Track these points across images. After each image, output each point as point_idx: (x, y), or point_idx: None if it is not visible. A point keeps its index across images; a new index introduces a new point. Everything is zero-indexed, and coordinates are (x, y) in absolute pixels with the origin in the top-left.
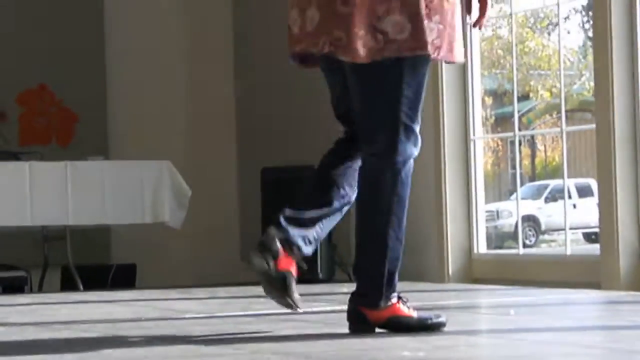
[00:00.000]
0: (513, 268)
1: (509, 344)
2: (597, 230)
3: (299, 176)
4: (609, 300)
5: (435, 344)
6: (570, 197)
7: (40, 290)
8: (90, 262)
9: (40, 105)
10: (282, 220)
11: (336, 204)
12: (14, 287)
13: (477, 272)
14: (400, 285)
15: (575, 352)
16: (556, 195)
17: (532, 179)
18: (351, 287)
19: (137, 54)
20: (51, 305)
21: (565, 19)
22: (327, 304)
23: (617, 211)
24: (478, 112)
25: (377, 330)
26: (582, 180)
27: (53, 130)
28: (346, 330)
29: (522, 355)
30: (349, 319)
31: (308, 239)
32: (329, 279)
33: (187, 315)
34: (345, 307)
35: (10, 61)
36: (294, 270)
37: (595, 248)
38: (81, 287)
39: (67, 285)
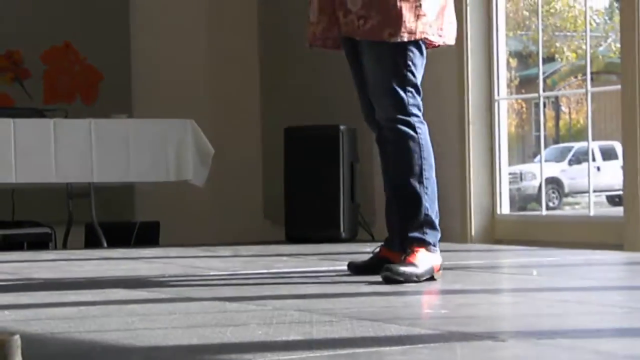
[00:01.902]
0: (535, 229)
1: (530, 302)
2: (620, 193)
3: (322, 135)
4: (631, 261)
5: (457, 302)
6: (594, 159)
7: (64, 247)
8: (114, 219)
9: (64, 63)
10: None
11: None
12: (39, 243)
13: (499, 233)
14: None
15: (596, 311)
16: (580, 158)
17: (556, 141)
18: (374, 247)
19: (162, 13)
20: (75, 261)
21: None
22: None
23: None
24: (503, 74)
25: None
26: (606, 143)
27: (77, 88)
28: (369, 288)
29: (544, 314)
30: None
31: None
32: (352, 238)
33: (210, 273)
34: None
35: (36, 19)
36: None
37: (618, 211)
38: (105, 244)
39: (91, 242)
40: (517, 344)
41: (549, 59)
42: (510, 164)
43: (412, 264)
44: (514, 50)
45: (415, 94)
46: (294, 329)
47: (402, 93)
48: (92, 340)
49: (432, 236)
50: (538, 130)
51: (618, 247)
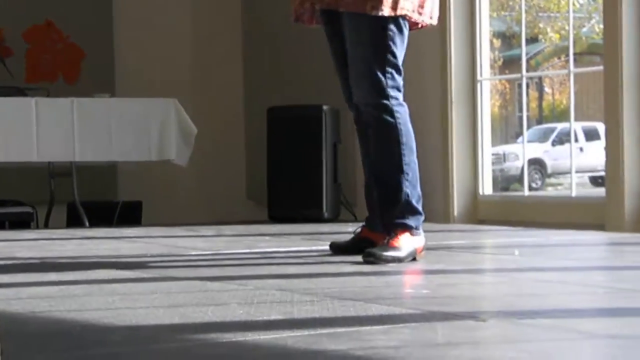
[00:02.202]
0: (518, 210)
1: (512, 282)
2: (603, 173)
3: (304, 115)
4: (612, 241)
5: (439, 282)
6: (577, 140)
7: (46, 226)
8: (97, 199)
9: (47, 42)
10: None
11: None
12: (20, 222)
13: (482, 214)
14: None
15: (578, 291)
16: (563, 139)
17: (540, 122)
18: (356, 226)
19: None
20: (57, 241)
21: None
22: None
23: (623, 154)
24: (486, 54)
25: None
26: (589, 124)
27: (60, 66)
28: (351, 268)
29: (525, 294)
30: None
31: None
32: (334, 218)
33: (192, 253)
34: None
35: None
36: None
37: (601, 192)
38: (87, 224)
39: (73, 221)
40: (497, 323)
41: (533, 40)
42: (493, 144)
43: (395, 248)
44: (497, 30)
45: (395, 75)
46: (275, 308)
47: (380, 75)
48: (73, 319)
49: (414, 220)
50: (521, 110)
51: (600, 227)
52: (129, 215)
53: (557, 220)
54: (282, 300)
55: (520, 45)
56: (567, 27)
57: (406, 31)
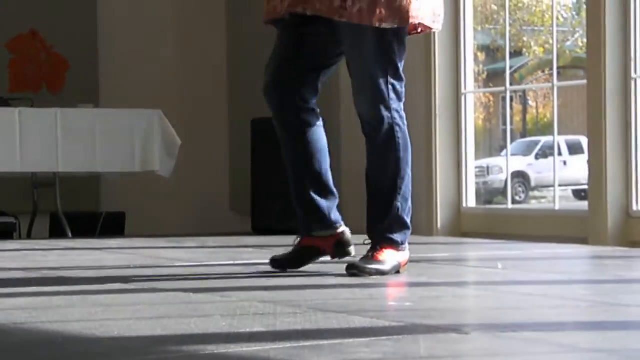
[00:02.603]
0: (501, 223)
1: (495, 296)
2: (586, 187)
3: None
4: (595, 255)
5: (422, 295)
6: (560, 153)
7: (29, 236)
8: (80, 209)
9: (31, 52)
10: None
11: None
12: (3, 233)
13: (465, 227)
14: None
15: (561, 305)
16: (547, 152)
17: (523, 135)
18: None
19: (130, 2)
20: (40, 251)
21: None
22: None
23: (606, 168)
24: (470, 67)
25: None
26: (573, 137)
27: (43, 77)
28: (334, 280)
29: (508, 307)
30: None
31: None
32: None
33: (176, 264)
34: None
35: (1, 6)
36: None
37: (584, 205)
38: (70, 235)
39: (56, 232)
40: (480, 336)
41: (517, 53)
42: (477, 157)
43: (379, 261)
44: (482, 44)
45: (397, 85)
46: (258, 320)
47: (383, 87)
48: (55, 330)
49: (401, 235)
50: (505, 124)
51: (583, 240)
52: (112, 226)
53: (541, 233)
54: (265, 312)
55: (504, 59)
56: (551, 41)
57: (406, 38)
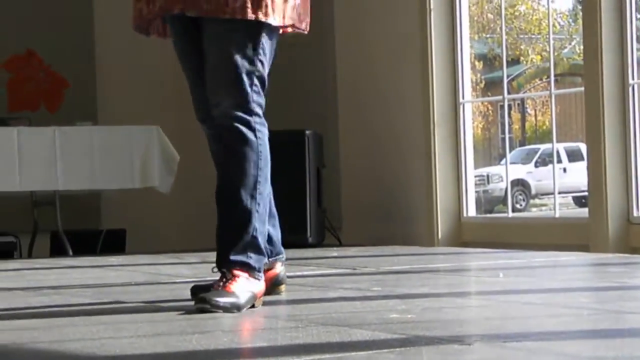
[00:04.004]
0: (502, 231)
1: (497, 305)
2: (586, 194)
3: (288, 140)
4: (596, 262)
5: (423, 306)
6: (560, 161)
7: (29, 255)
8: (80, 227)
9: (28, 71)
10: None
11: None
12: (3, 252)
13: (466, 236)
14: (390, 249)
15: (562, 313)
16: (546, 160)
17: (522, 143)
18: (341, 251)
19: (126, 19)
20: (40, 270)
21: None
22: (316, 268)
23: (606, 174)
24: (467, 76)
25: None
26: (572, 144)
27: (41, 95)
28: (335, 294)
29: (511, 317)
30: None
31: None
32: (319, 243)
33: (177, 280)
34: (335, 271)
35: None
36: None
37: (585, 212)
38: (71, 253)
39: (57, 250)
40: (483, 347)
41: (514, 62)
42: (476, 166)
43: (233, 294)
44: (479, 53)
45: (260, 90)
46: (259, 335)
47: (247, 87)
48: (56, 350)
49: (257, 261)
50: (504, 132)
51: (584, 247)
52: (112, 243)
53: (542, 241)
54: (267, 327)
55: (501, 67)
56: (548, 49)
57: (275, 40)
